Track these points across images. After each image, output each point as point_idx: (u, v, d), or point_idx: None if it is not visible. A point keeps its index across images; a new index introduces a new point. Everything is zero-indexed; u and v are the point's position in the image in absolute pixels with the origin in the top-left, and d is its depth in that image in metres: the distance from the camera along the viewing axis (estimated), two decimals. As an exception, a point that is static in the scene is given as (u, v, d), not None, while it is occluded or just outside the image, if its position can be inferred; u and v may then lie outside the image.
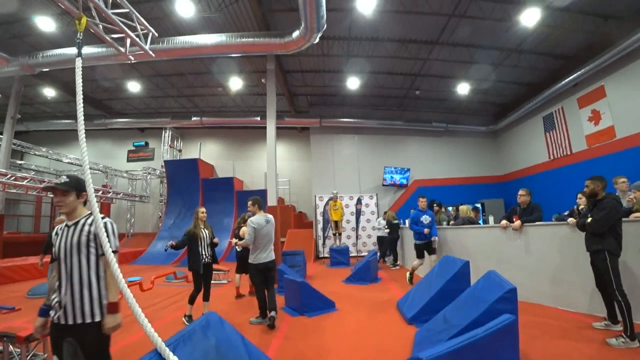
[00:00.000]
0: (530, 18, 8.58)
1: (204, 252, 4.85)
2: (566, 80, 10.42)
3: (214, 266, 5.16)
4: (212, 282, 5.07)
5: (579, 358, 3.23)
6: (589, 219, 3.80)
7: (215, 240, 5.12)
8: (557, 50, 10.39)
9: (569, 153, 11.27)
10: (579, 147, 10.82)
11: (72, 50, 8.50)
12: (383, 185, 14.36)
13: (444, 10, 8.69)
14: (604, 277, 3.66)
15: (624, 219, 3.87)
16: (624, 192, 4.91)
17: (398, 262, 10.18)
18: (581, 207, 5.14)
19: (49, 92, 13.61)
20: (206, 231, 4.99)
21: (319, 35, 7.73)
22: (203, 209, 5.08)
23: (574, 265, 4.67)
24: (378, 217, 12.50)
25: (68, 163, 15.34)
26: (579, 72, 9.91)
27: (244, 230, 6.85)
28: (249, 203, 4.92)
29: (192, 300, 4.80)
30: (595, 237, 3.75)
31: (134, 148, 17.63)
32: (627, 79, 9.09)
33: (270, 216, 4.93)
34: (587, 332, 3.89)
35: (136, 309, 1.80)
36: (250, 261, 4.73)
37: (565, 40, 9.76)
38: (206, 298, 4.92)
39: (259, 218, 4.74)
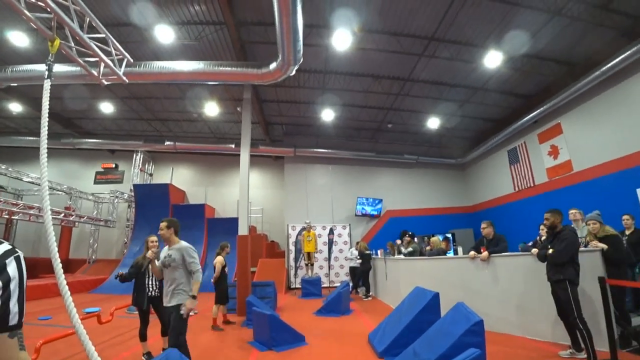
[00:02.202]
0: (492, 61, 9.26)
1: (150, 285, 4.57)
2: (527, 117, 11.14)
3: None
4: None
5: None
6: (550, 250, 3.97)
7: None
8: (518, 90, 11.17)
9: (532, 185, 11.87)
10: (541, 179, 11.44)
11: (44, 67, 8.19)
12: (356, 215, 14.45)
13: (414, 50, 9.21)
14: (565, 306, 3.80)
15: (580, 249, 4.09)
16: (576, 221, 5.25)
17: (370, 293, 10.11)
18: (544, 237, 5.38)
19: (16, 107, 13.01)
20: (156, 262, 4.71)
21: (296, 67, 7.92)
22: (154, 238, 4.59)
23: (538, 294, 4.81)
24: (351, 248, 12.46)
25: (28, 182, 14.46)
26: (538, 111, 10.64)
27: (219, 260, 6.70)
28: (164, 225, 3.66)
29: (142, 337, 4.48)
30: (556, 267, 3.91)
31: (102, 170, 16.99)
32: (581, 117, 9.86)
33: None
34: (552, 362, 3.96)
35: (88, 347, 1.68)
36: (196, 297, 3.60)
37: (525, 81, 10.54)
38: (165, 333, 4.55)
39: None
